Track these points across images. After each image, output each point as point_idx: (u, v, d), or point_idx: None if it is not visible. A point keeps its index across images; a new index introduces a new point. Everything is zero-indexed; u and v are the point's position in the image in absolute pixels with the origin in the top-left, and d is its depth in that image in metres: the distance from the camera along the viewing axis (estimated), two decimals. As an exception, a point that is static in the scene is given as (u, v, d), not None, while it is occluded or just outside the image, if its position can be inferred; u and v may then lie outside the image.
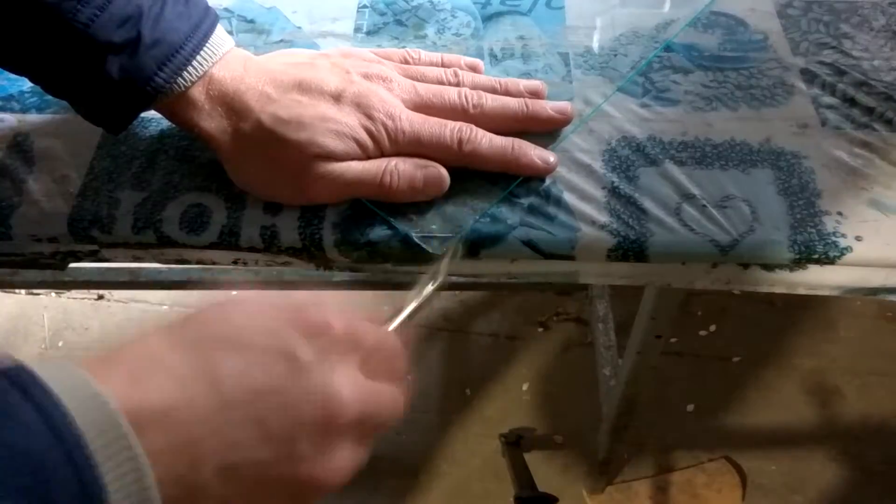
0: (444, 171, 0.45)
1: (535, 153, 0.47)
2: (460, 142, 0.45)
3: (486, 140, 0.46)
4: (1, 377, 0.24)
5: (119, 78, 0.40)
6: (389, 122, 0.44)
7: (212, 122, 0.43)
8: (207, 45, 0.42)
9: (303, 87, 0.44)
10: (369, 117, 0.44)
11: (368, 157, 0.44)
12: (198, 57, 0.42)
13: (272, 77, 0.44)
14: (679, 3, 0.59)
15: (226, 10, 0.59)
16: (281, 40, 0.57)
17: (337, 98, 0.44)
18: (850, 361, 1.28)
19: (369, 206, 0.46)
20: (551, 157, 0.47)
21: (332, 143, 0.43)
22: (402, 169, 0.44)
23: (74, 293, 1.42)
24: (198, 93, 0.43)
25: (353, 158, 0.44)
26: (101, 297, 1.41)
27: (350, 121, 0.43)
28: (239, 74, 0.43)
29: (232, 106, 0.43)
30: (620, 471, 1.19)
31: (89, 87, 0.42)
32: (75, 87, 0.42)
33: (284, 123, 0.42)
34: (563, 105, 0.49)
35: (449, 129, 0.45)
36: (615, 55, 0.55)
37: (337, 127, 0.43)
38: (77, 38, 0.39)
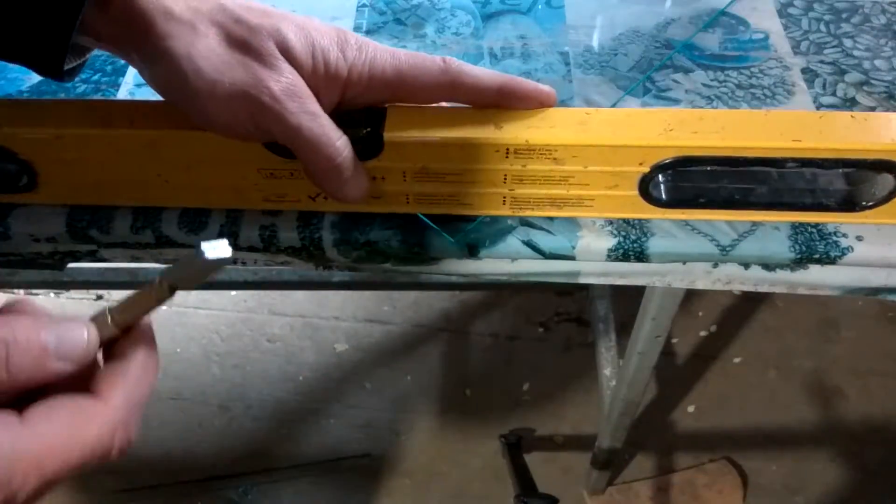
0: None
1: (532, 84, 0.40)
2: (447, 66, 0.39)
3: (475, 68, 0.40)
4: None
5: None
6: (367, 48, 0.39)
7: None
8: None
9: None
10: (345, 38, 0.38)
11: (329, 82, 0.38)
12: None
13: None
14: (680, 2, 0.59)
15: (225, 9, 0.59)
16: (280, 39, 0.56)
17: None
18: (852, 362, 1.28)
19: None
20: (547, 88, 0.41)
21: (294, 39, 0.37)
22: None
23: (73, 293, 1.42)
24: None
25: (315, 71, 0.38)
26: (99, 297, 1.41)
27: (324, 28, 0.39)
28: None
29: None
30: (621, 471, 1.19)
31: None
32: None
33: (249, 9, 0.38)
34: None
35: (431, 58, 0.40)
36: (615, 54, 0.55)
37: (305, 26, 0.38)
38: None
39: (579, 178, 0.41)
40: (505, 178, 0.41)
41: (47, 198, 0.45)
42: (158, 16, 0.37)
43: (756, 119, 0.40)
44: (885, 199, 0.42)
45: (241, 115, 0.37)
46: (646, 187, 0.42)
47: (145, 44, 0.37)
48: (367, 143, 0.39)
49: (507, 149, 0.39)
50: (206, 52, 0.37)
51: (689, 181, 0.43)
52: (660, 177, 0.42)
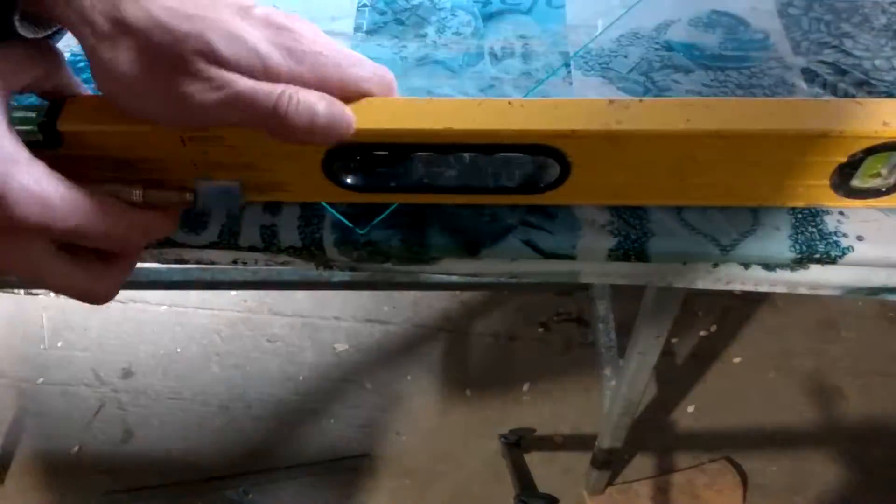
0: (351, 115, 0.38)
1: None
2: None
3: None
4: None
5: None
6: (305, 39, 0.37)
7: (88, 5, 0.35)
8: None
9: None
10: (279, 30, 0.37)
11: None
12: None
13: None
14: (679, 4, 0.59)
15: (225, 9, 0.59)
16: (281, 39, 0.56)
17: (245, 12, 0.37)
18: (852, 362, 1.28)
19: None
20: None
21: (223, 44, 0.35)
22: (303, 97, 0.36)
23: (74, 293, 1.42)
24: None
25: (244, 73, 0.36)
26: (100, 298, 1.41)
27: (254, 31, 0.36)
28: None
29: None
30: (621, 471, 1.19)
31: None
32: None
33: (173, 13, 0.35)
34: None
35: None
36: (615, 56, 0.55)
37: (235, 30, 0.36)
38: None
39: (264, 163, 0.41)
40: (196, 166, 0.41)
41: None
42: (81, 28, 0.35)
43: (417, 105, 0.39)
44: (558, 182, 0.42)
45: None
46: (331, 171, 0.42)
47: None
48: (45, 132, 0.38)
49: (183, 138, 0.39)
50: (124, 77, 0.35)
51: (375, 165, 0.43)
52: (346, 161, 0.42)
